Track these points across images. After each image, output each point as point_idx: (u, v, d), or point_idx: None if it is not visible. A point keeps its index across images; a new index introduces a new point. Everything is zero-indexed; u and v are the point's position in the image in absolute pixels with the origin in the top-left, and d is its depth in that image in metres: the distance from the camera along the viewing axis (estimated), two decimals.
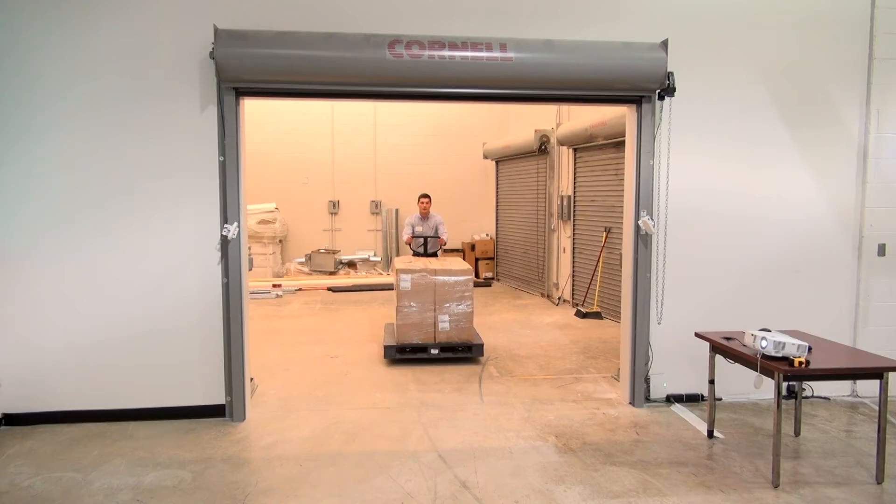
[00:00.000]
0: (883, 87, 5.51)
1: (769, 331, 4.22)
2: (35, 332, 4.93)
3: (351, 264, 13.24)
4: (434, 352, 6.69)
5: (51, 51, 4.79)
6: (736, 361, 4.36)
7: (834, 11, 5.46)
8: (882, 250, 5.61)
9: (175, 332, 5.03)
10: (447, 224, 9.24)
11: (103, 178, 4.91)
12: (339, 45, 4.72)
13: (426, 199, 9.01)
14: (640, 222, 5.33)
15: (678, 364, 5.44)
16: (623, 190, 5.68)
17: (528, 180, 11.74)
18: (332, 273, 12.71)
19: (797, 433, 4.86)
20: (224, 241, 4.98)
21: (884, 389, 3.96)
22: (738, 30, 5.39)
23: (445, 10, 5.16)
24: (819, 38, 5.47)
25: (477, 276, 12.69)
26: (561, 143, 10.18)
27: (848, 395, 5.74)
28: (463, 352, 6.74)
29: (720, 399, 5.42)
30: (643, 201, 5.35)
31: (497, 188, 13.24)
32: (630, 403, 5.48)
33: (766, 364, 3.94)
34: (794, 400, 4.96)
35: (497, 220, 13.27)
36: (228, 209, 4.97)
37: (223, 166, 4.95)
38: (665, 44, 5.01)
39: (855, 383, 5.74)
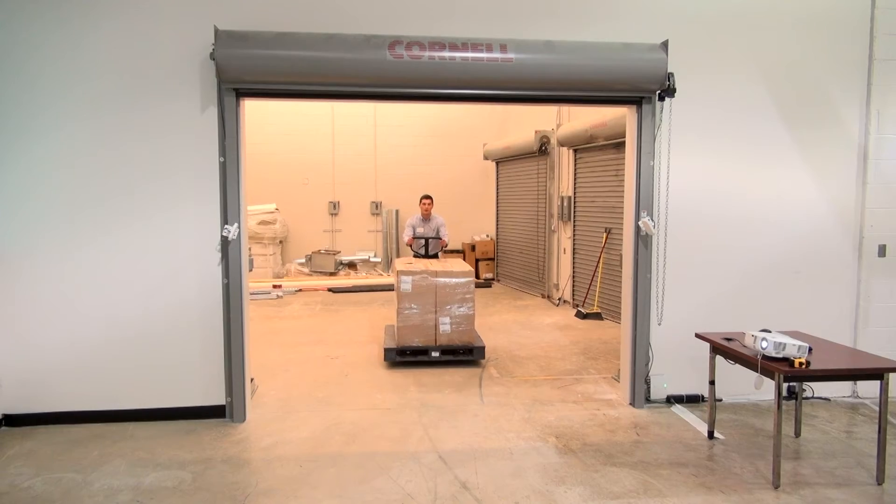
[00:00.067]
0: (883, 88, 5.51)
1: (769, 331, 4.23)
2: (35, 332, 4.93)
3: (351, 265, 13.24)
4: (435, 354, 6.65)
5: (51, 51, 4.79)
6: (736, 362, 4.36)
7: (834, 12, 5.47)
8: (882, 251, 5.61)
9: (175, 333, 5.03)
10: (448, 225, 9.24)
11: (103, 179, 4.91)
12: (340, 46, 4.72)
13: (428, 201, 8.98)
14: (640, 223, 5.33)
15: (678, 365, 5.44)
16: (623, 191, 5.68)
17: (528, 181, 11.74)
18: (332, 274, 12.71)
19: (797, 434, 4.85)
20: (224, 242, 4.98)
21: (884, 390, 3.96)
22: (739, 30, 5.39)
23: (445, 10, 5.16)
24: (819, 38, 5.47)
25: (477, 276, 12.68)
26: (561, 143, 10.18)
27: (848, 396, 5.74)
28: (464, 354, 6.69)
29: (720, 400, 5.42)
30: (643, 202, 5.35)
31: (497, 189, 13.24)
32: (630, 404, 5.48)
33: (767, 365, 3.94)
34: (794, 401, 4.95)
35: (497, 221, 13.26)
36: (229, 210, 4.97)
37: (223, 167, 4.95)
38: (665, 44, 5.02)
39: (855, 384, 5.74)
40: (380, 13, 5.06)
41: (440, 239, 8.88)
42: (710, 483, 4.07)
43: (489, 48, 4.78)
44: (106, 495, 3.89)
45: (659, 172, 5.36)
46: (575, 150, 9.97)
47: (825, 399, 5.67)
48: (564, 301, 10.37)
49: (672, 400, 5.51)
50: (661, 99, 5.24)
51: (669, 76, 5.04)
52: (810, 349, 4.04)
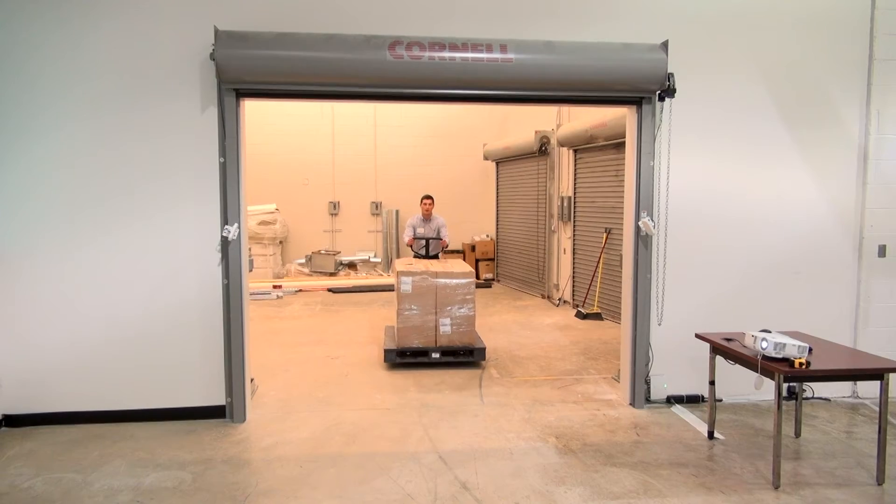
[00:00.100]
0: (883, 89, 5.51)
1: (769, 332, 4.23)
2: (35, 332, 4.93)
3: (351, 265, 13.24)
4: (435, 356, 6.61)
5: (51, 51, 4.79)
6: (736, 362, 4.36)
7: (834, 12, 5.47)
8: (882, 251, 5.61)
9: (175, 333, 5.03)
10: (448, 225, 9.22)
11: (103, 179, 4.91)
12: (340, 47, 4.72)
13: (429, 201, 8.94)
14: (640, 223, 5.33)
15: (678, 365, 5.44)
16: (623, 191, 5.68)
17: (528, 181, 11.74)
18: (332, 274, 12.71)
19: (798, 434, 4.85)
20: (224, 242, 4.98)
21: (884, 390, 3.96)
22: (739, 30, 5.39)
23: (445, 11, 5.16)
24: (819, 38, 5.47)
25: (477, 277, 12.68)
26: (561, 144, 10.18)
27: (848, 397, 5.74)
28: (464, 356, 6.65)
29: (720, 400, 5.42)
30: (643, 202, 5.35)
31: (497, 189, 13.24)
32: (630, 404, 5.48)
33: (767, 365, 3.94)
34: (794, 401, 4.95)
35: (497, 222, 13.26)
36: (229, 210, 4.97)
37: (223, 167, 4.95)
38: (665, 45, 5.02)
39: (855, 384, 5.74)
40: (380, 13, 5.06)
41: (441, 239, 8.85)
42: (711, 483, 4.06)
43: (489, 48, 4.78)
44: (106, 495, 3.89)
45: (659, 173, 5.36)
46: (575, 151, 9.97)
47: (825, 399, 5.67)
48: (564, 301, 10.37)
49: (672, 400, 5.51)
50: (661, 99, 5.24)
51: (669, 76, 5.04)
52: (810, 349, 4.04)
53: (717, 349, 4.58)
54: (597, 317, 9.11)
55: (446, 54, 4.75)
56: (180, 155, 4.95)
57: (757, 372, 4.01)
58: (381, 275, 13.07)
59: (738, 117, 5.44)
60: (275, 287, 11.41)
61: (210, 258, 5.01)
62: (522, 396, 5.73)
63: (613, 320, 8.81)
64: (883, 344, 5.50)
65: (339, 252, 13.30)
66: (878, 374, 3.97)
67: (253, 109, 6.22)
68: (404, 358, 6.60)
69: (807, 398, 5.50)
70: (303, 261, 13.16)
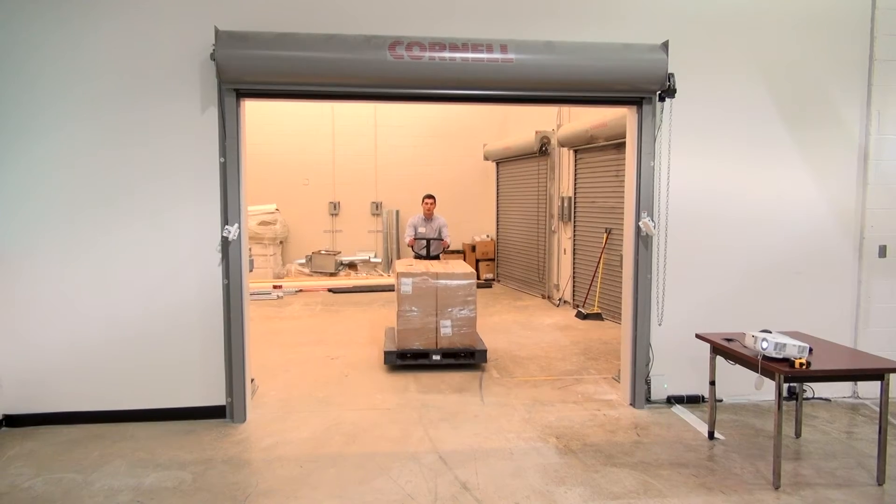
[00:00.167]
0: (883, 89, 5.51)
1: (770, 332, 4.23)
2: (35, 332, 4.93)
3: (351, 265, 13.24)
4: (436, 358, 6.55)
5: (51, 51, 4.79)
6: (737, 363, 4.36)
7: (834, 12, 5.47)
8: (883, 252, 5.61)
9: (175, 333, 5.03)
10: (449, 225, 9.16)
11: (103, 179, 4.91)
12: (340, 47, 4.72)
13: (430, 200, 8.88)
14: (640, 223, 5.33)
15: (679, 365, 5.44)
16: (623, 191, 5.68)
17: (528, 181, 11.74)
18: (332, 274, 12.71)
19: (798, 434, 4.85)
20: (225, 243, 4.98)
21: (885, 391, 3.96)
22: (739, 31, 5.39)
23: (446, 11, 5.16)
24: (819, 39, 5.47)
25: (477, 277, 12.63)
26: (561, 144, 10.18)
27: (849, 397, 5.74)
28: (465, 358, 6.59)
29: (721, 400, 5.41)
30: (644, 202, 5.35)
31: (497, 189, 13.24)
32: (631, 405, 5.47)
33: (767, 365, 3.93)
34: (794, 401, 4.95)
35: (497, 222, 13.27)
36: (229, 210, 4.97)
37: (224, 167, 4.95)
38: (665, 45, 5.01)
39: (856, 385, 5.74)
40: (380, 13, 5.06)
41: (442, 240, 8.80)
42: (711, 483, 4.06)
43: (489, 49, 4.78)
44: (106, 496, 3.88)
45: (659, 173, 5.36)
46: (575, 151, 9.97)
47: (826, 399, 5.66)
48: (565, 301, 10.37)
49: (672, 400, 5.51)
50: (662, 99, 5.23)
51: (670, 76, 5.04)
52: (811, 350, 4.04)
53: (717, 349, 4.58)
54: (597, 317, 9.11)
55: (446, 54, 4.75)
56: (180, 155, 4.95)
57: (757, 372, 4.01)
58: (382, 275, 13.07)
59: (739, 117, 5.44)
60: (275, 287, 11.42)
61: (210, 258, 5.01)
62: (523, 397, 5.73)
63: (614, 320, 8.81)
64: (883, 344, 5.50)
65: (339, 252, 13.30)
66: (878, 375, 3.97)
67: (253, 109, 6.22)
68: (404, 360, 6.56)
69: (807, 398, 5.50)
70: (303, 261, 13.16)
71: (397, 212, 13.79)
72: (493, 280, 13.16)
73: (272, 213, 12.83)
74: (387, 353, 6.61)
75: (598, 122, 8.59)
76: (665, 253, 5.42)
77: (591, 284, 9.51)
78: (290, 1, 4.99)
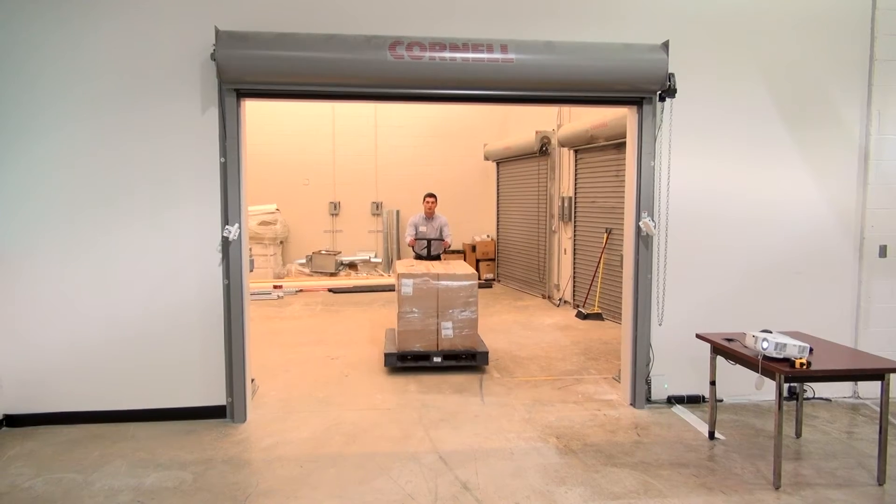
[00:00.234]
0: (884, 89, 5.51)
1: (770, 332, 4.22)
2: (35, 332, 4.93)
3: (352, 266, 13.24)
4: (437, 360, 6.48)
5: (51, 51, 4.79)
6: (737, 363, 4.35)
7: (834, 13, 5.46)
8: (883, 252, 5.61)
9: (176, 333, 5.03)
10: (449, 225, 9.12)
11: (104, 179, 4.91)
12: (340, 47, 4.72)
13: (432, 199, 8.81)
14: (640, 223, 5.33)
15: (679, 365, 5.44)
16: (624, 191, 5.68)
17: (528, 181, 11.74)
18: (332, 274, 12.71)
19: (798, 434, 4.85)
20: (225, 243, 4.98)
21: (885, 391, 3.95)
22: (739, 31, 5.39)
23: (446, 11, 5.16)
24: (820, 39, 5.47)
25: (478, 277, 12.67)
26: (562, 144, 10.18)
27: (849, 397, 5.74)
28: (467, 360, 6.53)
29: (721, 400, 5.41)
30: (644, 202, 5.35)
31: (498, 189, 13.24)
32: (631, 405, 5.47)
33: (768, 365, 3.93)
34: (795, 401, 4.95)
35: (498, 222, 13.27)
36: (229, 210, 4.97)
37: (224, 167, 4.95)
38: (666, 45, 5.01)
39: (856, 385, 5.74)
40: (380, 13, 5.06)
41: (443, 240, 8.72)
42: (711, 483, 4.06)
43: (490, 49, 4.78)
44: (107, 496, 3.88)
45: (659, 173, 5.35)
46: (575, 151, 9.97)
47: (826, 399, 5.66)
48: (565, 301, 10.37)
49: (673, 400, 5.51)
50: (662, 99, 5.23)
51: (670, 77, 5.04)
52: (811, 350, 4.04)
53: (717, 349, 4.58)
54: (597, 317, 9.11)
55: (447, 54, 4.74)
56: (181, 155, 4.95)
57: (758, 372, 4.00)
58: (382, 275, 13.07)
59: (739, 117, 5.44)
60: (275, 287, 11.42)
61: (210, 258, 5.01)
62: (523, 397, 5.72)
63: (614, 320, 8.81)
64: (883, 344, 5.50)
65: (339, 252, 13.30)
66: (878, 375, 3.97)
67: (253, 110, 6.21)
68: (405, 362, 6.50)
69: (807, 398, 5.49)
70: (303, 261, 13.16)
71: (397, 212, 13.79)
72: (494, 280, 13.16)
73: (272, 213, 12.83)
74: (387, 355, 6.56)
75: (598, 122, 8.59)
76: (665, 253, 5.42)
77: (591, 284, 9.51)
78: (290, 1, 4.99)
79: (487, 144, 13.12)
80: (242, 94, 4.96)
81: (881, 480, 4.06)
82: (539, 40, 4.92)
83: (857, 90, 5.54)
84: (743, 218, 5.51)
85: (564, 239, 10.48)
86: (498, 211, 13.24)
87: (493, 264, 13.30)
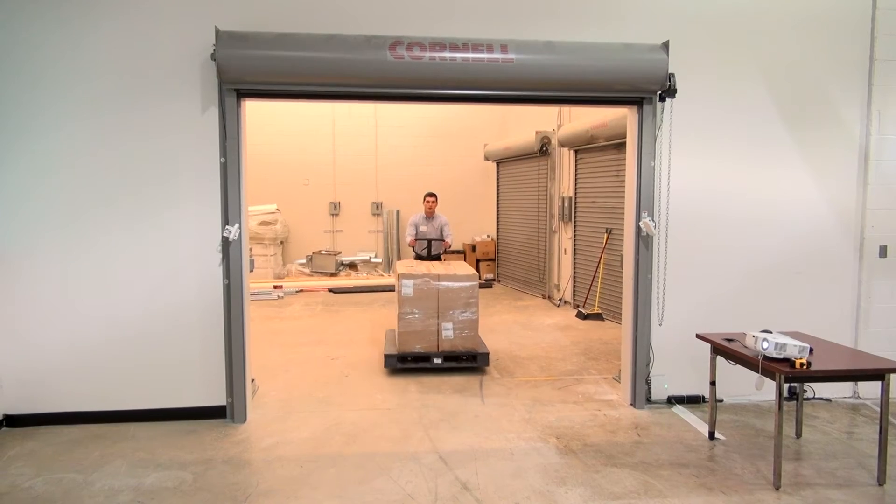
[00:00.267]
0: (884, 89, 5.51)
1: (770, 332, 4.22)
2: (35, 332, 4.93)
3: (352, 266, 13.24)
4: (437, 361, 6.45)
5: (51, 51, 4.79)
6: (737, 363, 4.35)
7: (834, 13, 5.46)
8: (883, 252, 5.61)
9: (176, 333, 5.03)
10: (450, 224, 9.10)
11: (104, 179, 4.91)
12: (340, 47, 4.72)
13: (432, 199, 8.78)
14: (640, 224, 5.33)
15: (679, 365, 5.44)
16: (624, 191, 5.68)
17: (529, 182, 11.74)
18: (332, 274, 12.71)
19: (798, 435, 4.85)
20: (225, 243, 4.98)
21: (885, 391, 3.95)
22: (739, 31, 5.39)
23: (446, 11, 5.16)
24: (820, 39, 5.47)
25: (478, 277, 12.66)
26: (562, 144, 10.18)
27: (849, 397, 5.74)
28: (468, 361, 6.49)
29: (721, 400, 5.41)
30: (644, 202, 5.35)
31: (498, 189, 13.24)
32: (631, 405, 5.47)
33: (768, 365, 3.93)
34: (795, 401, 4.95)
35: (498, 222, 13.27)
36: (229, 210, 4.97)
37: (224, 167, 4.95)
38: (666, 45, 5.01)
39: (856, 385, 5.73)
40: (380, 13, 5.06)
41: (443, 240, 8.70)
42: (711, 484, 4.06)
43: (490, 49, 4.78)
44: (107, 496, 3.88)
45: (659, 173, 5.35)
46: (576, 151, 9.97)
47: (826, 400, 5.66)
48: (565, 302, 10.37)
49: (673, 400, 5.51)
50: (662, 99, 5.23)
51: (670, 77, 5.04)
52: (811, 350, 4.04)
53: (717, 349, 4.58)
54: (597, 317, 9.11)
55: (447, 54, 4.74)
56: (181, 155, 4.95)
57: (758, 372, 4.00)
58: (382, 275, 13.07)
59: (739, 117, 5.44)
60: (275, 287, 11.42)
61: (211, 258, 5.01)
62: (523, 397, 5.72)
63: (614, 320, 8.81)
64: (884, 344, 5.50)
65: (339, 252, 13.30)
66: (878, 375, 3.97)
67: (253, 110, 6.21)
68: (405, 363, 6.46)
69: (808, 398, 5.49)
70: (303, 261, 13.16)
71: (398, 212, 13.79)
72: (494, 280, 13.15)
73: (273, 213, 12.83)
74: (387, 357, 6.51)
75: (598, 122, 8.59)
76: (665, 253, 5.42)
77: (591, 284, 9.51)
78: (290, 1, 4.99)
79: (487, 144, 13.12)
80: (242, 94, 4.96)
81: (881, 480, 4.06)
82: (539, 40, 4.92)
83: (857, 90, 5.54)
84: (743, 218, 5.51)
85: (564, 239, 10.48)
86: (498, 211, 13.24)
87: (493, 264, 13.30)
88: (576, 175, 10.05)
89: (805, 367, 3.86)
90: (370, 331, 8.42)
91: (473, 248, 13.29)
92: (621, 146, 7.48)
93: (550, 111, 10.65)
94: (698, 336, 4.73)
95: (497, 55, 4.77)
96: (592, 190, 9.60)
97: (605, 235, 9.11)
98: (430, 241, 8.63)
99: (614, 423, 5.09)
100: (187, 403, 5.09)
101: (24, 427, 4.93)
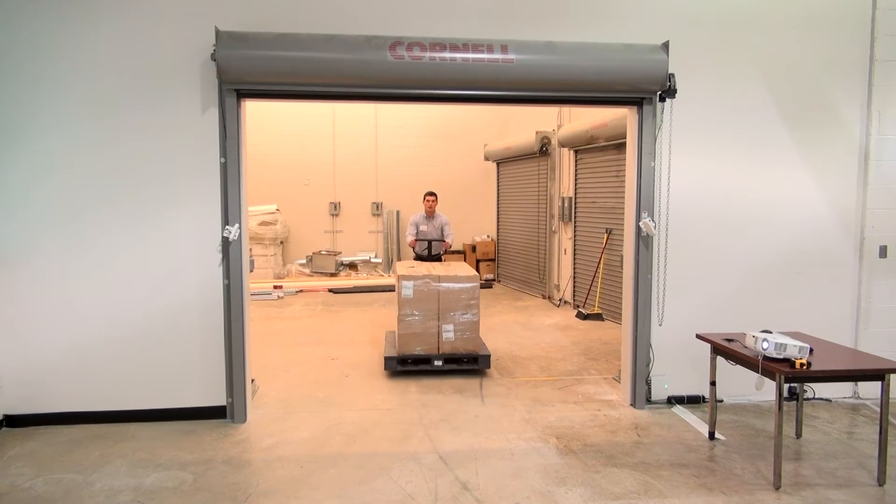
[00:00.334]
0: (884, 89, 5.51)
1: (770, 332, 4.22)
2: (35, 332, 4.93)
3: (352, 266, 13.24)
4: (438, 363, 6.37)
5: (51, 51, 4.79)
6: (737, 363, 4.35)
7: (835, 13, 5.47)
8: (883, 252, 5.61)
9: (176, 334, 5.03)
10: (450, 224, 9.09)
11: (104, 179, 4.91)
12: (340, 47, 4.72)
13: (432, 198, 8.76)
14: (641, 224, 5.33)
15: (679, 365, 5.44)
16: (624, 191, 5.68)
17: (529, 182, 11.74)
18: (332, 275, 12.71)
19: (798, 435, 4.85)
20: (225, 243, 4.98)
21: (885, 391, 3.95)
22: (739, 31, 5.39)
23: (446, 11, 5.16)
24: (820, 39, 5.47)
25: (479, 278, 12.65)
26: (562, 144, 10.18)
27: (849, 397, 5.74)
28: (468, 363, 6.43)
29: (721, 401, 5.41)
30: (644, 203, 5.35)
31: (498, 190, 13.25)
32: (631, 405, 5.47)
33: (768, 366, 3.93)
34: (795, 402, 4.95)
35: (498, 222, 13.27)
36: (229, 210, 4.97)
37: (224, 168, 4.95)
38: (666, 45, 5.01)
39: (856, 385, 5.74)
40: (380, 14, 5.06)
41: (444, 241, 8.67)
42: (711, 484, 4.06)
43: (490, 49, 4.78)
44: (107, 496, 3.89)
45: (660, 173, 5.35)
46: (576, 151, 9.97)
47: (826, 400, 5.66)
48: (565, 302, 10.37)
49: (673, 401, 5.51)
50: (662, 100, 5.23)
51: (670, 77, 5.04)
52: (811, 350, 4.04)
53: (717, 350, 4.58)
54: (597, 317, 9.11)
55: (447, 55, 4.74)
56: (181, 155, 4.95)
57: (758, 372, 4.00)
58: (382, 275, 13.07)
59: (739, 118, 5.44)
60: (275, 287, 11.42)
61: (211, 258, 5.01)
62: (523, 397, 5.72)
63: (614, 321, 8.81)
64: (884, 344, 5.50)
65: (339, 252, 13.30)
66: (878, 375, 3.97)
67: (253, 110, 6.22)
68: (405, 366, 6.38)
69: (808, 399, 5.49)
70: (303, 261, 13.16)
71: (398, 212, 13.79)
72: (494, 280, 13.15)
73: (273, 213, 12.83)
74: (387, 359, 6.43)
75: (598, 122, 8.59)
76: (665, 253, 5.42)
77: (591, 285, 9.51)
78: (290, 1, 5.00)
79: (487, 145, 13.12)
80: (242, 94, 4.96)
81: (881, 481, 4.06)
82: (539, 40, 4.92)
83: (857, 90, 5.54)
84: (743, 218, 5.51)
85: (564, 239, 10.48)
86: (498, 211, 13.24)
87: (493, 264, 13.30)
88: (576, 175, 10.05)
89: (805, 367, 3.86)
90: (370, 331, 8.42)
91: (473, 248, 13.29)
92: (621, 146, 7.48)
93: (550, 111, 10.66)
94: (698, 336, 4.73)
95: (497, 55, 4.78)
96: (592, 190, 9.60)
97: (605, 235, 9.11)
98: (430, 242, 8.61)
99: (614, 424, 5.09)
100: (187, 403, 5.09)
101: (24, 427, 4.93)
